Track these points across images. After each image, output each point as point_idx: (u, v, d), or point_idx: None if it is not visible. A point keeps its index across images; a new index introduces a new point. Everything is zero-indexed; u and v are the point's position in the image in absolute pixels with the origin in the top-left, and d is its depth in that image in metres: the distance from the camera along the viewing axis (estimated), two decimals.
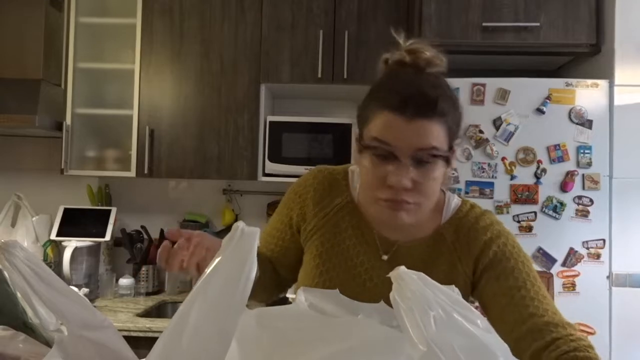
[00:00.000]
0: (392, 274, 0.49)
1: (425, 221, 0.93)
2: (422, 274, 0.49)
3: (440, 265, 0.92)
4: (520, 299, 0.86)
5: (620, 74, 2.08)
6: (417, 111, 0.79)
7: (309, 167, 2.44)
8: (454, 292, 0.49)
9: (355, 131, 0.91)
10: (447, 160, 0.83)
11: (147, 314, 2.29)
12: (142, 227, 2.68)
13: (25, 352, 0.70)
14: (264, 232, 1.09)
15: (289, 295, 2.16)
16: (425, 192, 0.82)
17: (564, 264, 2.03)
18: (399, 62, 0.88)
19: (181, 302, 2.16)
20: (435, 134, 0.80)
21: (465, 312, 0.49)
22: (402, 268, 0.49)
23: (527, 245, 2.03)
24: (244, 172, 2.45)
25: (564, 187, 2.04)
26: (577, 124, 2.06)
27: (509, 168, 2.07)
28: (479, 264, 0.90)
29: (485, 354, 0.46)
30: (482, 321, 0.50)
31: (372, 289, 0.94)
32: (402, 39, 0.89)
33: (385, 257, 0.96)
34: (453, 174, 2.08)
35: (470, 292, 0.93)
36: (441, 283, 0.49)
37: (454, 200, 0.97)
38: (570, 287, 2.03)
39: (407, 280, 0.48)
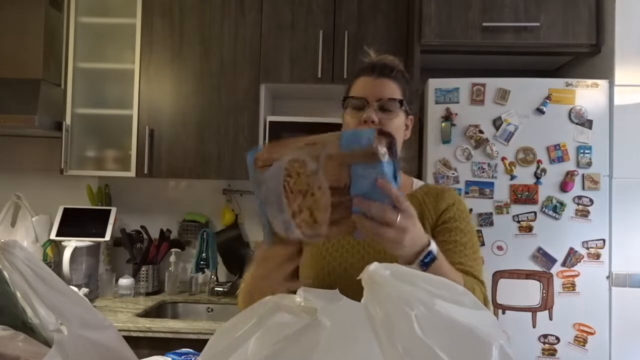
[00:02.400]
0: (363, 277, 0.47)
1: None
2: (394, 266, 0.48)
3: None
4: (458, 251, 1.11)
5: (620, 74, 2.08)
6: (381, 72, 1.12)
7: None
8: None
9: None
10: (405, 114, 1.14)
11: (146, 314, 2.28)
12: (142, 227, 2.68)
13: (25, 352, 0.70)
14: None
15: None
16: (388, 128, 1.08)
17: (563, 264, 2.03)
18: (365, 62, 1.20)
19: (181, 302, 2.15)
20: (393, 89, 1.12)
21: (448, 292, 0.46)
22: (372, 267, 0.47)
23: (527, 245, 2.04)
24: (244, 172, 2.45)
25: (564, 187, 2.05)
26: (577, 124, 2.06)
27: (509, 168, 2.07)
28: (441, 217, 1.16)
29: (477, 345, 0.45)
30: (468, 297, 0.48)
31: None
32: (372, 53, 1.22)
33: None
34: (453, 174, 2.08)
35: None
36: None
37: (420, 182, 1.26)
38: (570, 287, 2.03)
39: (379, 282, 0.45)
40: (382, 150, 0.73)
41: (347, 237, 1.15)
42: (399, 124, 1.13)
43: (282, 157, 0.76)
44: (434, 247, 0.86)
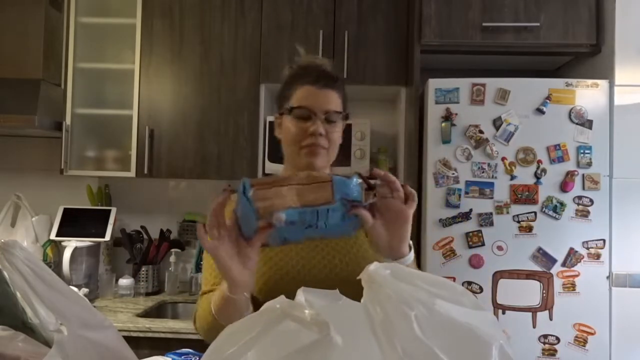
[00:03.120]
0: (362, 277, 0.47)
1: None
2: (394, 266, 0.48)
3: None
4: None
5: (620, 74, 2.08)
6: (326, 83, 1.14)
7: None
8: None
9: (277, 117, 1.21)
10: (342, 122, 1.17)
11: (146, 314, 2.28)
12: (142, 227, 2.68)
13: (25, 352, 0.70)
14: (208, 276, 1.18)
15: None
16: (332, 140, 1.14)
17: (564, 264, 2.03)
18: (303, 66, 1.22)
19: (181, 302, 2.15)
20: (337, 101, 1.15)
21: (448, 292, 0.46)
22: (372, 267, 0.46)
23: (527, 245, 2.04)
24: (244, 172, 2.45)
25: (564, 187, 2.04)
26: (577, 124, 2.06)
27: (509, 168, 2.07)
28: None
29: (477, 345, 0.44)
30: (467, 297, 0.48)
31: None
32: (303, 52, 1.27)
33: None
34: (453, 174, 2.08)
35: None
36: None
37: None
38: (570, 287, 2.03)
39: (379, 282, 0.45)
40: (368, 199, 0.85)
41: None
42: (340, 134, 1.17)
43: (275, 203, 0.82)
44: (412, 248, 0.95)
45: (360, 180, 0.83)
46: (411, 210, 0.90)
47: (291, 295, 0.61)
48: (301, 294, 0.61)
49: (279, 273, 1.09)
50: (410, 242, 0.95)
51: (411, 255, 0.94)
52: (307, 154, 1.12)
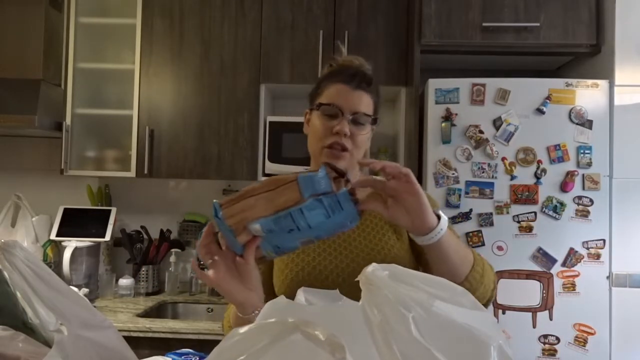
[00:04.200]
0: (360, 279, 0.47)
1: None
2: (392, 267, 0.47)
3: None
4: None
5: (620, 74, 2.08)
6: (359, 84, 1.10)
7: (308, 167, 2.46)
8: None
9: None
10: (372, 126, 1.13)
11: (147, 314, 2.28)
12: (142, 227, 2.68)
13: (25, 352, 0.70)
14: None
15: None
16: (357, 143, 1.09)
17: (564, 264, 2.03)
18: (340, 64, 1.19)
19: (181, 302, 2.15)
20: (368, 103, 1.11)
21: (447, 293, 0.46)
22: (370, 269, 0.46)
23: (527, 245, 2.04)
24: (244, 172, 2.45)
25: (564, 187, 2.04)
26: (577, 124, 2.06)
27: (509, 168, 2.07)
28: None
29: (475, 346, 0.44)
30: (466, 297, 0.47)
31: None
32: (344, 50, 1.25)
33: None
34: (453, 174, 2.08)
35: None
36: None
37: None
38: (570, 287, 2.03)
39: (377, 284, 0.44)
40: (341, 187, 0.81)
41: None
42: (367, 138, 1.13)
43: (245, 215, 0.80)
44: (444, 216, 0.91)
45: (325, 172, 0.80)
46: (413, 185, 0.87)
47: None
48: (301, 294, 0.61)
49: (298, 276, 1.08)
50: (439, 212, 0.92)
51: (443, 223, 0.89)
52: (329, 154, 1.09)
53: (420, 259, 1.11)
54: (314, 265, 1.09)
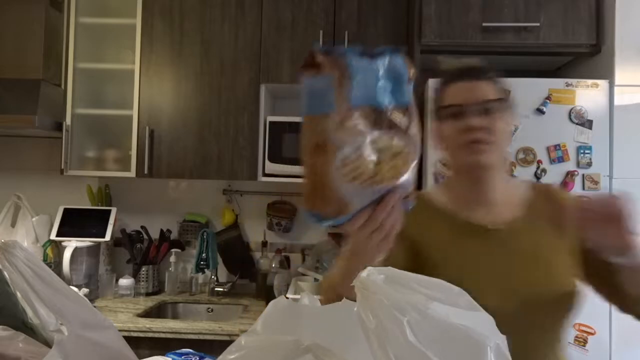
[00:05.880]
0: (355, 283, 0.46)
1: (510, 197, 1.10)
2: (388, 270, 0.47)
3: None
4: None
5: (620, 74, 2.08)
6: (472, 75, 1.06)
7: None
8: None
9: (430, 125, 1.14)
10: (505, 111, 1.06)
11: (147, 314, 2.29)
12: (142, 227, 2.68)
13: (25, 352, 0.70)
14: None
15: (289, 295, 2.16)
16: (495, 131, 1.02)
17: None
18: (445, 69, 1.14)
19: (181, 302, 2.15)
20: (489, 88, 1.05)
21: (444, 294, 0.46)
22: (365, 273, 0.46)
23: None
24: (244, 172, 2.45)
25: (564, 187, 2.04)
26: (577, 124, 2.06)
27: (509, 168, 2.07)
28: None
29: (472, 347, 0.44)
30: (463, 299, 0.47)
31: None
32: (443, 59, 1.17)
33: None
34: None
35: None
36: None
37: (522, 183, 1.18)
38: None
39: (371, 289, 0.44)
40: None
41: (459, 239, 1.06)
42: (505, 126, 1.05)
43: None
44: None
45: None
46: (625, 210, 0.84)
47: None
48: (305, 297, 0.61)
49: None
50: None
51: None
52: (469, 152, 1.03)
53: (597, 278, 1.06)
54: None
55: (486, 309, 0.89)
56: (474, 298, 0.92)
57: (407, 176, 0.69)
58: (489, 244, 1.04)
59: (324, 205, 0.68)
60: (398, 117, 0.68)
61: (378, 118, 0.66)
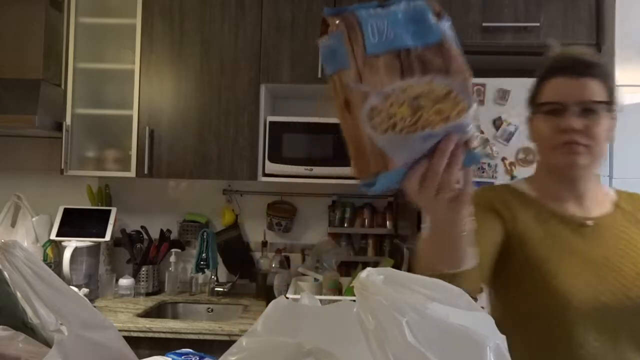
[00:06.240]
0: (355, 284, 0.46)
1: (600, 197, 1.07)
2: (387, 270, 0.47)
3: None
4: None
5: (620, 74, 2.08)
6: (581, 71, 0.99)
7: (308, 167, 2.46)
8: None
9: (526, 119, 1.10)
10: (609, 113, 1.01)
11: (147, 314, 2.29)
12: (142, 227, 2.68)
13: (25, 352, 0.70)
14: None
15: (289, 295, 2.16)
16: (594, 135, 0.96)
17: None
18: (554, 57, 1.10)
19: (181, 302, 2.15)
20: (597, 88, 0.98)
21: (443, 295, 0.46)
22: (364, 273, 0.45)
23: None
24: (244, 172, 2.45)
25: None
26: None
27: (509, 168, 2.07)
28: None
29: (471, 347, 0.44)
30: (463, 299, 0.47)
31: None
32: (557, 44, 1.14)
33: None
34: None
35: None
36: None
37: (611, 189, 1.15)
38: None
39: (371, 289, 0.44)
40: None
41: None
42: (605, 128, 1.00)
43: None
44: None
45: None
46: None
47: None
48: (305, 297, 0.61)
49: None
50: None
51: None
52: (564, 153, 0.98)
53: None
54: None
55: (576, 302, 0.90)
56: (565, 290, 0.94)
57: (462, 120, 0.61)
58: (584, 237, 1.01)
59: (367, 166, 0.61)
60: (430, 58, 0.61)
61: (406, 63, 0.60)
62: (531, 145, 2.03)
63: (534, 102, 1.05)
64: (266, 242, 2.72)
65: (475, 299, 0.83)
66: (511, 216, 1.02)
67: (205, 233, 2.65)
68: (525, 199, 1.06)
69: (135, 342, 1.97)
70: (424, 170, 0.61)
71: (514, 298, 1.02)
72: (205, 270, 2.64)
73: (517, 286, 1.00)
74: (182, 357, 1.01)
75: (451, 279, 0.66)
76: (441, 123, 0.59)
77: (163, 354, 0.97)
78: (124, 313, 2.22)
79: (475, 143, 0.63)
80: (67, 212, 2.57)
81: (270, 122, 2.45)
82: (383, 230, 2.68)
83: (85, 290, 2.25)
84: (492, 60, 2.41)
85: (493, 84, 2.09)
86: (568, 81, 0.99)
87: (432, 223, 0.69)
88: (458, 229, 0.67)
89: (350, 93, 0.60)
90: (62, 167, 2.49)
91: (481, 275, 0.89)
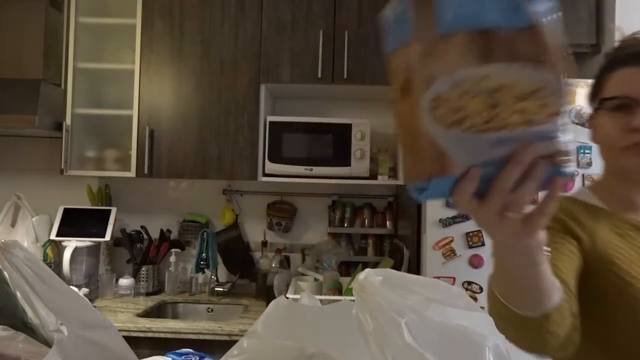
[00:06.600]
0: (354, 286, 0.45)
1: None
2: (387, 272, 0.46)
3: None
4: None
5: None
6: None
7: (308, 167, 2.47)
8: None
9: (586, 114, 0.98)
10: None
11: (147, 314, 2.28)
12: (142, 227, 2.68)
13: (25, 352, 0.70)
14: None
15: (289, 295, 2.16)
16: None
17: None
18: (619, 46, 0.95)
19: (181, 302, 2.15)
20: None
21: (443, 295, 0.46)
22: (363, 275, 0.45)
23: None
24: (244, 172, 2.45)
25: (564, 187, 2.04)
26: (577, 124, 2.06)
27: None
28: None
29: (470, 347, 0.44)
30: (462, 299, 0.47)
31: None
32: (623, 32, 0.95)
33: None
34: None
35: None
36: None
37: None
38: None
39: (370, 291, 0.43)
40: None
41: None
42: None
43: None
44: None
45: None
46: None
47: None
48: (305, 296, 0.61)
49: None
50: None
51: None
52: (635, 154, 0.86)
53: None
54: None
55: None
56: None
57: (549, 125, 0.49)
58: None
59: (421, 165, 0.48)
60: (519, 45, 0.49)
61: (486, 46, 0.48)
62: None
63: (597, 97, 0.93)
64: (266, 242, 2.72)
65: (573, 344, 0.72)
66: (587, 235, 0.90)
67: (205, 233, 2.65)
68: (597, 212, 0.94)
69: (135, 342, 1.98)
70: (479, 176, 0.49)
71: (607, 335, 0.85)
72: (205, 270, 2.64)
73: (607, 320, 0.85)
74: (182, 357, 1.01)
75: (539, 324, 0.59)
76: (522, 126, 0.48)
77: (163, 354, 0.97)
78: (124, 313, 2.22)
79: (562, 157, 0.50)
80: (67, 212, 2.57)
81: (270, 122, 2.45)
82: (383, 230, 2.68)
83: (85, 290, 2.25)
84: None
85: None
86: (635, 72, 0.87)
87: (496, 250, 0.56)
88: (531, 258, 0.54)
89: (413, 74, 0.49)
90: (62, 167, 2.49)
91: (573, 310, 0.73)
